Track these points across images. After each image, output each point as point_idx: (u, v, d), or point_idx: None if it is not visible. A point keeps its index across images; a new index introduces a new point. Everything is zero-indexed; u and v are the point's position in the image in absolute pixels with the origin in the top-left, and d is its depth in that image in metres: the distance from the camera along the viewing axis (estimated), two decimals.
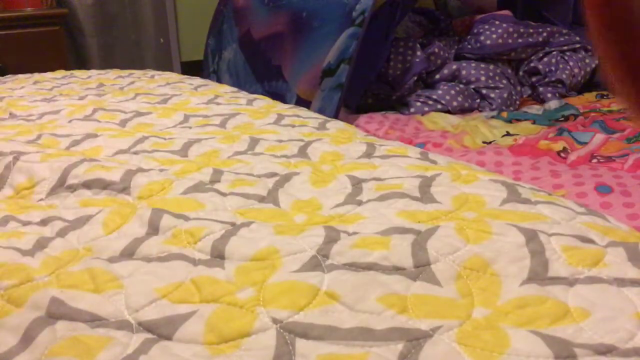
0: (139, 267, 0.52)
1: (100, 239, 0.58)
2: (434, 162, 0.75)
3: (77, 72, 1.47)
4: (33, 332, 0.45)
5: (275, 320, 0.45)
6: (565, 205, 0.61)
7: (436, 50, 1.60)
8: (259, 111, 1.03)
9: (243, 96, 1.18)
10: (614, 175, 0.96)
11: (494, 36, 1.68)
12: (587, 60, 1.72)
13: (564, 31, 1.76)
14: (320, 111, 1.36)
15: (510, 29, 1.68)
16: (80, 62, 2.29)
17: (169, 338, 0.44)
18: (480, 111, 1.55)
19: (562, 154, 1.10)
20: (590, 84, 1.76)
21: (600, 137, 1.17)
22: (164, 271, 0.51)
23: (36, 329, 0.45)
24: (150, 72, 1.48)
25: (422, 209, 0.60)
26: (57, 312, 0.47)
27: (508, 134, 1.30)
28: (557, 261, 0.50)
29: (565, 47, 1.72)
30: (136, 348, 0.43)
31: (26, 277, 0.51)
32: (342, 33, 1.39)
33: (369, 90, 1.58)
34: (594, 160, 1.07)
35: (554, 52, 1.71)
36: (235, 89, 1.27)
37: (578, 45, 1.73)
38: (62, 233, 0.60)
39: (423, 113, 1.50)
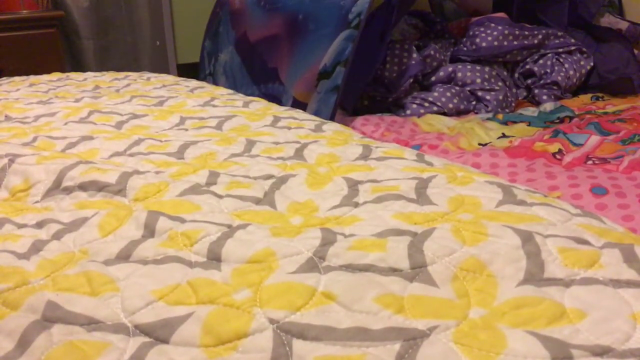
0: (135, 269, 0.52)
1: (96, 241, 0.58)
2: (430, 164, 0.75)
3: (72, 75, 1.47)
4: (29, 337, 0.45)
5: (272, 321, 0.45)
6: (560, 206, 0.61)
7: (432, 52, 1.60)
8: (255, 113, 1.03)
9: (239, 98, 1.18)
10: (609, 177, 0.97)
11: (490, 38, 1.68)
12: (582, 63, 1.73)
13: (559, 33, 1.76)
14: (317, 113, 1.36)
15: (506, 32, 1.69)
16: (76, 64, 2.28)
17: (165, 341, 0.44)
18: (476, 113, 1.56)
19: (558, 156, 1.11)
20: (585, 86, 1.76)
21: (595, 138, 1.18)
22: (160, 274, 0.51)
23: (32, 333, 0.45)
24: (147, 75, 1.47)
25: (418, 211, 0.60)
26: (53, 316, 0.47)
27: (504, 135, 1.31)
28: (553, 262, 0.50)
29: (560, 50, 1.73)
30: (133, 353, 0.43)
31: (22, 280, 0.51)
32: (338, 35, 1.40)
33: (365, 92, 1.58)
34: (589, 162, 1.07)
35: (549, 55, 1.72)
36: (231, 91, 1.27)
37: (573, 48, 1.74)
38: (57, 236, 0.60)
39: (419, 115, 1.51)
